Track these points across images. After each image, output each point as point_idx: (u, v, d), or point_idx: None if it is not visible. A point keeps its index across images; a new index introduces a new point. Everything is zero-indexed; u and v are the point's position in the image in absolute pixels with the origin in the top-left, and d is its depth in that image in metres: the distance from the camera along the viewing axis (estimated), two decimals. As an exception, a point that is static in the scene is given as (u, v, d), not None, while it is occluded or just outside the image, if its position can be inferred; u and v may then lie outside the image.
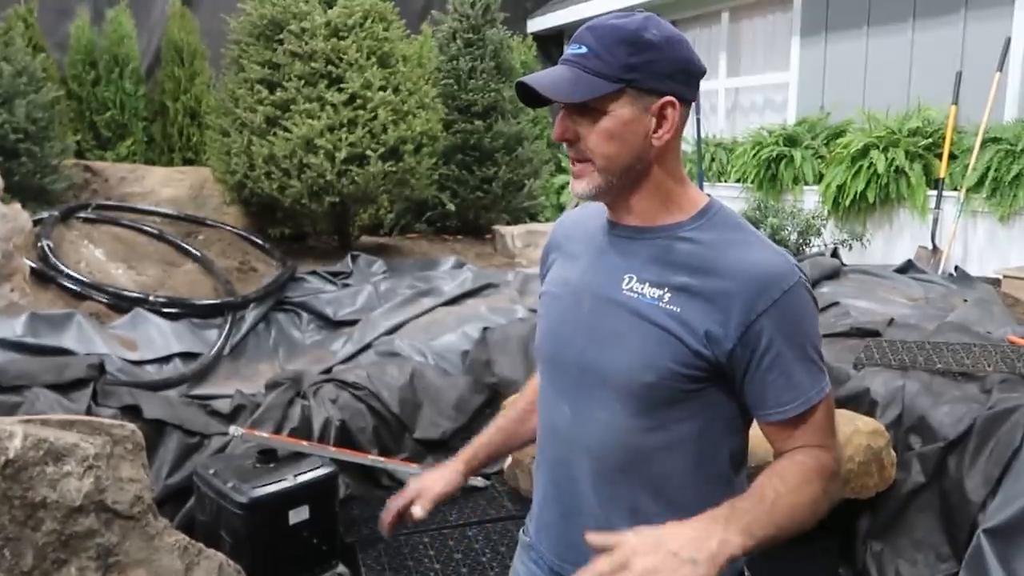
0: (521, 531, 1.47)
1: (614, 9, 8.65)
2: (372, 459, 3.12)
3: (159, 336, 3.89)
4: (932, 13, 5.97)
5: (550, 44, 10.30)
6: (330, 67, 5.24)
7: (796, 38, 7.14)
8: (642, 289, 1.16)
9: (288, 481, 2.57)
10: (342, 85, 5.22)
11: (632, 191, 1.19)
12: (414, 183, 5.62)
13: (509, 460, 3.34)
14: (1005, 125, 5.42)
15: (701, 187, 6.80)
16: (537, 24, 10.11)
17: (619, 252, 1.22)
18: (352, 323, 4.33)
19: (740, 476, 1.26)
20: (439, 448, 3.51)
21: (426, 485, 1.47)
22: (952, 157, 5.61)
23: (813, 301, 1.17)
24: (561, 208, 8.02)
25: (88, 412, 2.84)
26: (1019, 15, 5.48)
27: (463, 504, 3.16)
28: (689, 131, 8.36)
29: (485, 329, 3.87)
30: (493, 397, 3.64)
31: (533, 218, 7.45)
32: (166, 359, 3.76)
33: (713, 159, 7.52)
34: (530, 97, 1.18)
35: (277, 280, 4.65)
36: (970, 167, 5.37)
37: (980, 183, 5.32)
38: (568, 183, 8.45)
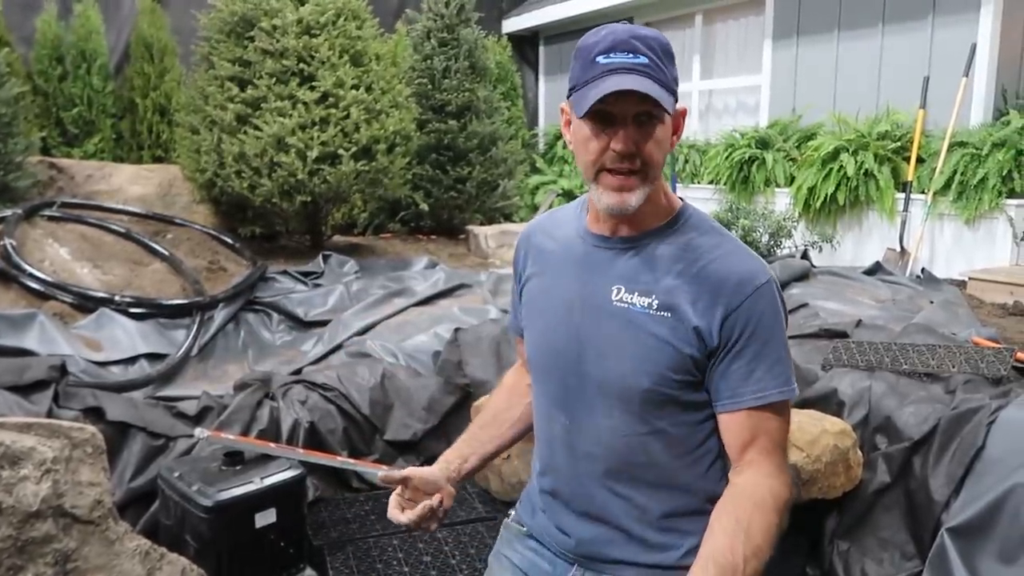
0: (505, 523, 1.54)
1: (591, 11, 8.77)
2: (342, 461, 3.09)
3: (125, 336, 3.82)
4: (901, 19, 6.06)
5: (525, 44, 10.30)
6: (302, 65, 5.20)
7: (768, 41, 7.21)
8: (632, 299, 1.22)
9: (255, 484, 2.54)
10: (314, 83, 5.18)
11: (647, 196, 1.23)
12: (387, 183, 5.59)
13: (480, 461, 3.33)
14: (971, 129, 5.51)
15: (674, 189, 6.84)
16: (512, 24, 10.10)
17: (605, 262, 1.26)
18: (323, 323, 4.29)
19: (728, 468, 1.32)
20: (410, 449, 3.49)
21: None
22: (920, 161, 5.69)
23: (783, 304, 1.21)
24: (535, 208, 8.02)
25: (49, 414, 2.78)
26: (984, 22, 5.57)
27: (433, 506, 3.14)
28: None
29: (457, 330, 3.84)
30: (465, 398, 3.63)
31: (507, 218, 7.44)
32: (132, 360, 3.70)
33: (687, 161, 7.56)
34: (602, 106, 1.15)
35: (247, 280, 4.60)
36: (937, 170, 5.45)
37: (947, 186, 5.41)
38: (542, 183, 8.47)
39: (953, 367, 3.09)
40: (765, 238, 5.65)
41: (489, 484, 3.29)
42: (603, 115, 1.16)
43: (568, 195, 8.05)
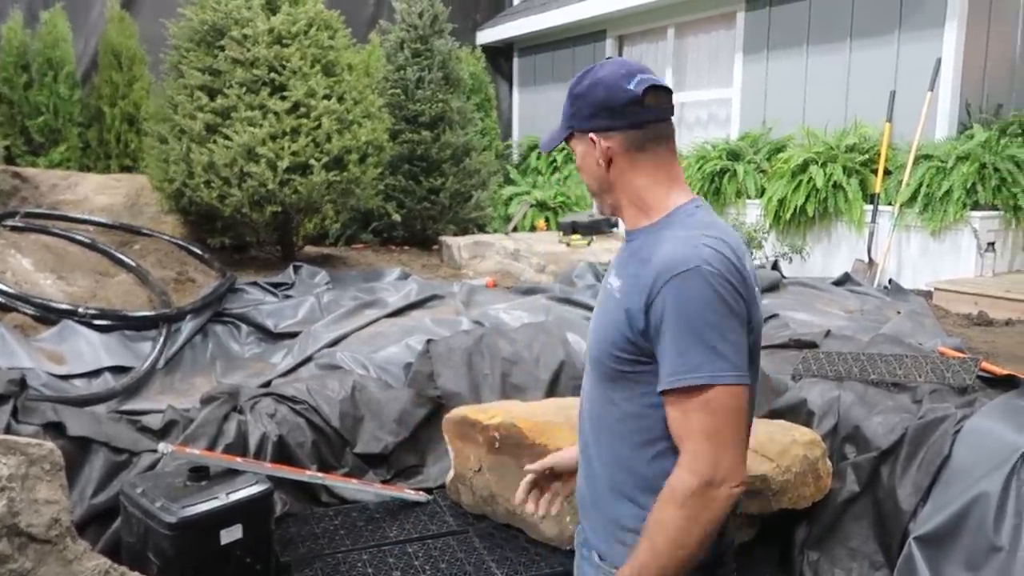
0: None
1: (565, 23, 8.83)
2: (310, 475, 3.05)
3: (88, 349, 3.74)
4: (868, 34, 6.16)
5: (499, 56, 10.34)
6: (273, 74, 5.16)
7: (739, 55, 7.30)
8: (614, 283, 1.38)
9: (220, 499, 2.48)
10: (285, 93, 5.14)
11: (617, 205, 1.43)
12: (359, 193, 5.55)
13: (451, 473, 3.30)
14: (936, 143, 5.61)
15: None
16: (486, 36, 10.14)
17: (620, 253, 1.46)
18: (293, 335, 4.25)
19: None
20: (380, 463, 3.45)
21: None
22: (887, 173, 5.78)
23: (712, 293, 1.22)
24: (508, 219, 8.02)
25: (8, 430, 2.71)
26: (948, 37, 5.69)
27: (403, 520, 3.10)
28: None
29: (429, 341, 3.82)
30: (436, 410, 3.59)
31: (480, 229, 7.44)
32: (95, 373, 3.62)
33: (659, 172, 7.62)
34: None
35: (216, 291, 4.54)
36: (903, 183, 5.54)
37: (913, 198, 5.49)
38: (516, 194, 8.48)
39: (920, 377, 3.12)
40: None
41: (460, 497, 3.26)
42: None
43: (542, 206, 8.06)
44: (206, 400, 3.24)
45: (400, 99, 6.68)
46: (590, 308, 4.32)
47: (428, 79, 6.75)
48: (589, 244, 6.10)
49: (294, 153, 5.02)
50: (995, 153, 5.24)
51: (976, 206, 5.23)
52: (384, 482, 3.39)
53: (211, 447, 2.94)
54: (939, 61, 5.66)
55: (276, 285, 5.02)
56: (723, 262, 1.24)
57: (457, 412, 3.25)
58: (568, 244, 6.08)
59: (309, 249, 6.24)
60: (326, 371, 3.71)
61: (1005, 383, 3.02)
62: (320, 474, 3.12)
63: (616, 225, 6.81)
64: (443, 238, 6.57)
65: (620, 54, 8.91)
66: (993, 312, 4.58)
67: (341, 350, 3.89)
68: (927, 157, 5.51)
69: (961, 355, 3.37)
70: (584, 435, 1.48)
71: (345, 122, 5.30)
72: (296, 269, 5.26)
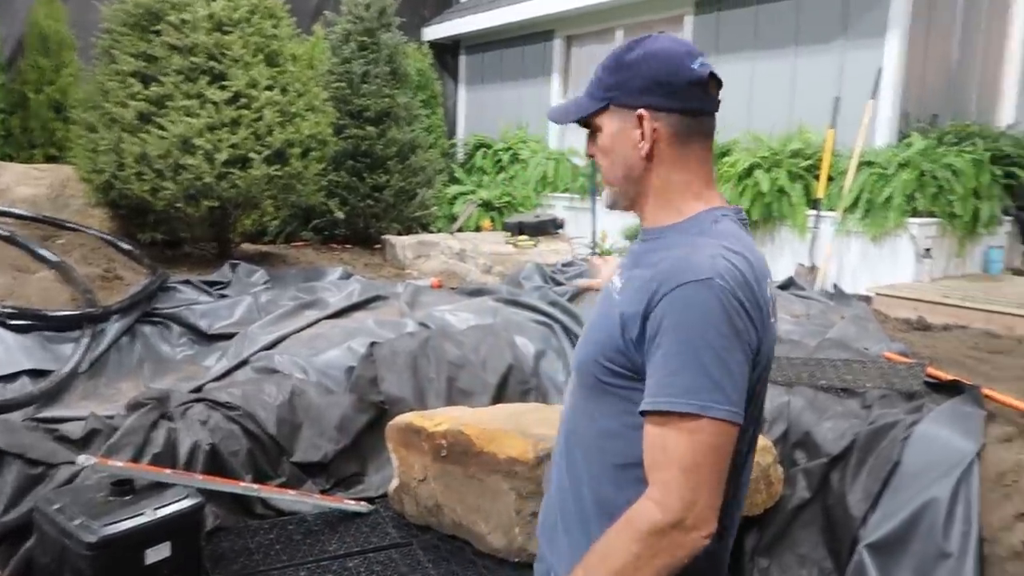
0: None
1: (513, 21, 8.74)
2: (245, 486, 2.88)
3: (3, 352, 3.48)
4: (812, 41, 6.24)
5: (446, 53, 10.20)
6: (212, 62, 4.93)
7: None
8: (616, 281, 1.26)
9: (146, 516, 2.31)
10: (225, 82, 4.92)
11: (640, 198, 1.28)
12: (301, 188, 5.36)
13: (395, 482, 3.17)
14: (877, 150, 5.71)
15: (593, 202, 6.86)
16: (434, 32, 9.99)
17: (630, 252, 1.33)
18: (228, 337, 4.05)
19: None
20: (319, 472, 3.30)
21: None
22: (830, 179, 5.86)
23: (719, 310, 1.08)
24: (453, 219, 7.89)
25: (-93, 440, 2.48)
26: (889, 47, 5.80)
27: (343, 532, 2.96)
28: (583, 146, 8.45)
29: (372, 344, 3.68)
30: (380, 416, 3.46)
31: (425, 228, 7.30)
32: (11, 377, 3.38)
33: (606, 174, 7.60)
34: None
35: (145, 289, 4.29)
36: (845, 188, 5.62)
37: (855, 204, 5.57)
38: (461, 193, 8.36)
39: (868, 382, 3.12)
40: (683, 252, 5.68)
41: (404, 507, 3.14)
42: None
43: (487, 205, 7.96)
44: (132, 406, 3.05)
45: (345, 93, 6.49)
46: (538, 310, 4.24)
47: (374, 73, 6.58)
48: (536, 245, 6.03)
49: (233, 145, 4.81)
50: (933, 161, 5.35)
51: (915, 213, 5.34)
52: (323, 492, 3.24)
53: (137, 458, 2.75)
54: (880, 70, 5.76)
55: (211, 284, 4.79)
56: (739, 280, 1.10)
57: (402, 419, 3.13)
58: (515, 245, 5.99)
59: (247, 246, 6.01)
60: (263, 375, 3.54)
61: (950, 388, 3.05)
62: (255, 485, 2.95)
63: (562, 227, 6.75)
64: (387, 237, 6.41)
65: (568, 55, 8.88)
66: (931, 317, 4.66)
67: (279, 353, 3.72)
68: (869, 164, 5.60)
69: (907, 360, 3.39)
70: (558, 453, 1.34)
71: (288, 114, 5.11)
72: (233, 267, 5.04)
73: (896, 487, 2.69)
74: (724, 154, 6.63)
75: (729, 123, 6.76)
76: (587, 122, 1.29)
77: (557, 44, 8.87)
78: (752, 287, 1.11)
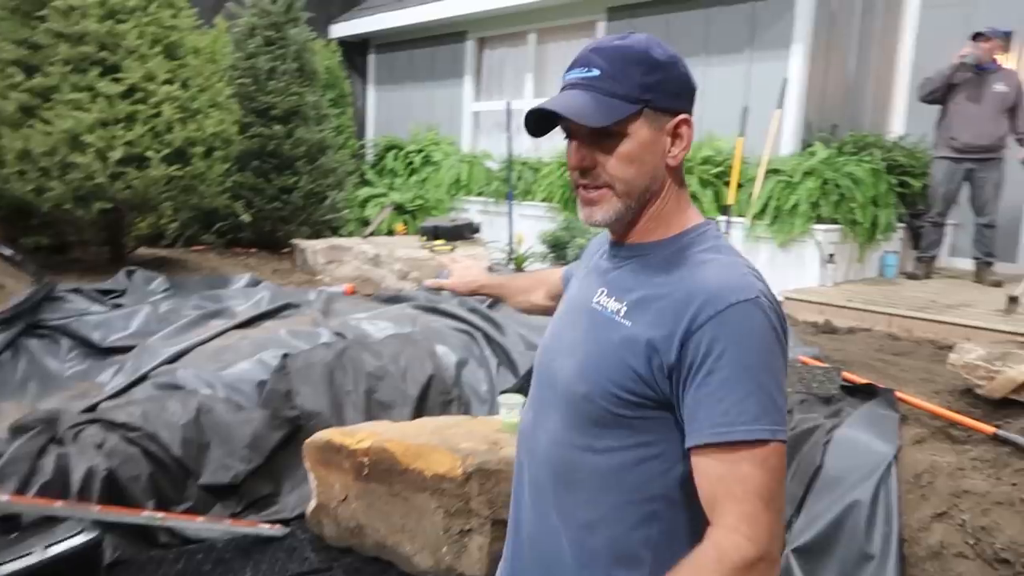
0: None
1: (424, 21, 8.61)
2: (147, 515, 2.66)
3: None
4: (721, 51, 6.40)
5: (354, 52, 9.95)
6: (104, 53, 4.59)
7: (599, 64, 7.37)
8: (607, 303, 1.15)
9: (36, 555, 2.09)
10: (119, 75, 4.59)
11: (640, 212, 1.16)
12: (203, 190, 5.07)
13: (313, 503, 3.00)
14: (783, 158, 5.89)
15: (510, 205, 6.81)
16: (341, 29, 9.72)
17: (605, 269, 1.21)
18: (125, 350, 3.76)
19: (688, 536, 1.10)
20: (230, 494, 3.09)
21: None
22: (739, 186, 6.01)
23: (772, 331, 1.03)
24: (365, 222, 7.68)
25: None
26: (793, 60, 6.00)
27: (258, 559, 2.78)
28: (496, 148, 8.39)
29: (285, 355, 3.49)
30: (295, 432, 3.28)
31: (335, 232, 7.07)
32: None
33: (520, 178, 7.56)
34: (538, 126, 1.17)
35: (29, 299, 3.94)
36: (754, 196, 5.77)
37: (763, 211, 5.73)
38: (372, 196, 8.15)
39: (788, 387, 3.17)
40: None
41: (323, 529, 2.97)
42: (566, 131, 1.15)
43: (399, 209, 7.79)
44: (16, 430, 2.77)
45: (250, 90, 6.20)
46: (458, 318, 4.14)
47: (282, 70, 6.31)
48: (453, 250, 5.92)
49: (129, 143, 4.49)
50: (835, 170, 5.56)
51: (819, 219, 5.53)
52: (234, 516, 3.04)
53: (23, 489, 2.48)
54: (785, 81, 5.95)
55: (104, 292, 4.45)
56: (773, 297, 1.06)
57: (320, 436, 2.96)
58: (431, 250, 5.86)
59: (143, 251, 5.64)
60: (165, 391, 3.30)
61: (865, 392, 3.13)
62: (159, 513, 2.73)
63: (478, 231, 6.67)
64: (296, 241, 6.15)
65: (480, 58, 8.81)
66: (837, 320, 4.83)
67: (183, 367, 3.47)
68: (775, 172, 5.77)
69: (822, 364, 3.48)
70: (537, 490, 1.20)
71: (189, 111, 4.82)
72: (128, 274, 4.70)
73: (819, 491, 2.73)
74: (637, 160, 6.71)
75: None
76: (573, 128, 1.12)
77: (469, 46, 8.78)
78: (779, 305, 1.08)
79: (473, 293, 1.73)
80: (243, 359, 3.55)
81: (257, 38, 6.38)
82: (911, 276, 5.96)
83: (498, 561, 2.44)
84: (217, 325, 3.99)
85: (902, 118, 7.03)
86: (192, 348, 3.70)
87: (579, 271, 1.35)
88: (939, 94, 5.74)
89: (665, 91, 1.12)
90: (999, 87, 5.57)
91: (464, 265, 1.76)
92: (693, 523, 1.09)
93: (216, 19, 7.36)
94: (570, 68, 1.14)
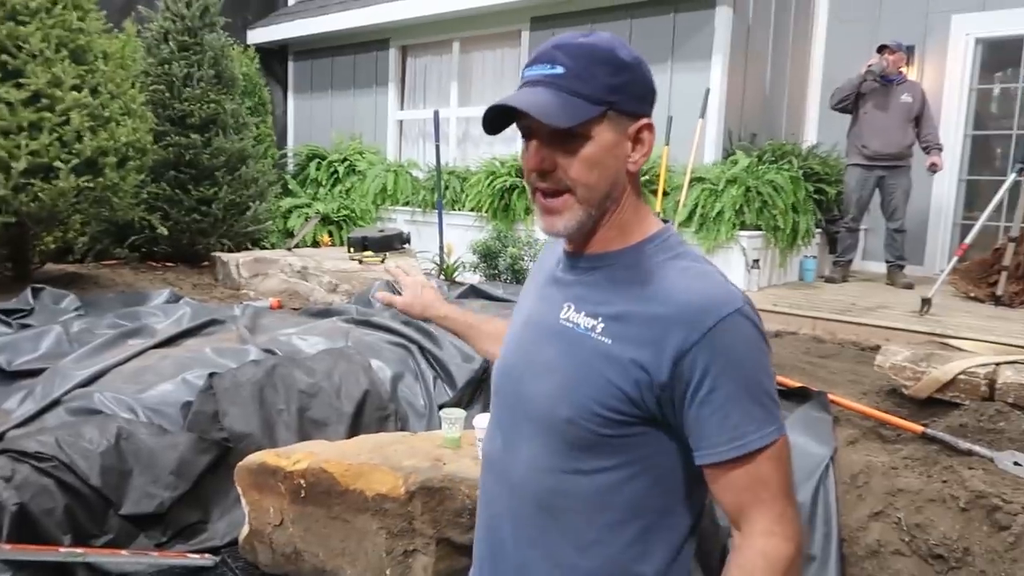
0: None
1: (344, 28, 8.46)
2: (65, 551, 2.47)
3: None
4: (646, 60, 6.49)
5: (272, 59, 9.68)
6: (5, 57, 4.30)
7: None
8: (577, 318, 1.10)
9: (-63, 604, 1.90)
10: (22, 80, 4.31)
11: (600, 220, 1.11)
12: (117, 202, 4.81)
13: (246, 529, 2.86)
14: (708, 166, 6.02)
15: (440, 214, 6.73)
16: (259, 35, 9.45)
17: (566, 281, 1.16)
18: (34, 374, 3.50)
19: (684, 545, 1.13)
20: (155, 524, 2.92)
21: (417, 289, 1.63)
22: (665, 193, 6.11)
23: (759, 335, 1.04)
24: (289, 234, 7.46)
25: None
26: (715, 70, 6.15)
27: (189, 592, 2.62)
28: (422, 157, 8.31)
29: (211, 375, 3.32)
30: (223, 455, 3.13)
31: (256, 244, 6.84)
32: None
33: (447, 187, 7.50)
34: (493, 124, 1.11)
35: (-76, 321, 3.64)
36: (681, 203, 5.88)
37: (690, 218, 5.84)
38: (296, 207, 7.93)
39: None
40: (530, 265, 5.70)
41: (257, 556, 2.84)
42: (526, 131, 1.09)
43: (324, 219, 7.61)
44: (-87, 466, 2.53)
45: (165, 97, 5.94)
46: (392, 331, 4.04)
47: (198, 76, 6.07)
48: (383, 261, 5.80)
49: (34, 153, 4.21)
50: (757, 178, 5.72)
51: (743, 226, 5.67)
52: (159, 547, 2.87)
53: (-78, 530, 2.27)
54: (707, 91, 6.10)
55: (9, 312, 4.15)
56: (749, 298, 1.06)
57: (253, 459, 2.83)
58: (360, 261, 5.73)
59: (50, 267, 5.32)
60: (81, 417, 3.09)
61: (799, 395, 3.20)
62: (78, 549, 2.55)
63: (408, 241, 6.57)
64: (218, 254, 5.92)
65: (404, 66, 8.72)
66: (765, 324, 4.94)
67: (99, 390, 3.26)
68: (700, 180, 5.89)
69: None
70: (518, 518, 1.16)
71: (100, 119, 4.56)
72: (35, 292, 4.41)
73: (760, 495, 2.77)
74: (565, 168, 6.75)
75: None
76: (534, 127, 1.06)
77: (392, 54, 8.67)
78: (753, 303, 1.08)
79: (427, 320, 1.63)
80: (165, 380, 3.36)
81: (171, 43, 6.12)
82: (829, 280, 6.19)
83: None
84: (136, 344, 3.78)
85: (815, 127, 7.32)
86: (109, 370, 3.48)
87: (530, 285, 1.30)
88: (849, 103, 5.99)
89: (630, 93, 1.07)
90: (905, 98, 5.86)
91: (417, 282, 1.65)
92: (683, 530, 1.11)
93: (125, 23, 7.03)
94: (531, 64, 1.09)
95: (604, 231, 1.12)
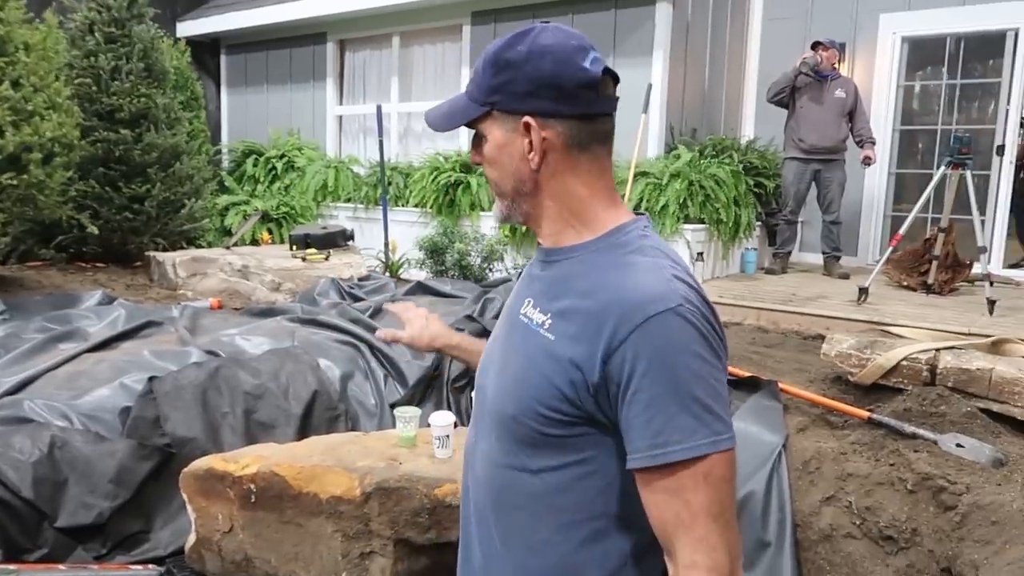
0: None
1: (279, 22, 8.26)
2: (-3, 569, 2.33)
3: None
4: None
5: (204, 52, 9.39)
6: (-86, 47, 4.05)
7: (466, 68, 7.34)
8: (532, 314, 1.09)
9: None
10: (-67, 72, 4.06)
11: (538, 214, 1.12)
12: (42, 200, 4.57)
13: (193, 538, 2.75)
14: (651, 161, 6.08)
15: (384, 211, 6.63)
16: (189, 28, 9.15)
17: (533, 276, 1.16)
18: (-44, 382, 3.30)
19: (645, 557, 1.05)
20: (94, 536, 2.79)
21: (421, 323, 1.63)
22: (610, 188, 6.14)
23: (698, 338, 0.96)
24: (227, 232, 7.24)
25: None
26: (656, 66, 6.21)
27: (133, 606, 2.51)
28: (363, 153, 8.17)
29: (151, 378, 3.19)
30: (166, 461, 3.00)
31: (193, 242, 6.61)
32: None
33: (390, 183, 7.39)
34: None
35: None
36: (626, 197, 5.91)
37: (635, 212, 5.88)
38: (233, 204, 7.72)
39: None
40: (478, 261, 5.66)
41: (205, 564, 2.73)
42: None
43: (264, 217, 7.41)
44: None
45: (92, 91, 5.67)
46: (340, 329, 3.95)
47: (126, 70, 5.82)
48: (327, 258, 5.67)
49: (-51, 148, 3.97)
50: (699, 172, 5.81)
51: (687, 219, 5.75)
52: (99, 559, 2.75)
53: None
54: (650, 86, 6.15)
55: (-75, 317, 3.92)
56: (700, 300, 0.99)
57: (199, 464, 2.72)
58: (303, 259, 5.59)
59: (-31, 269, 5.03)
60: (10, 426, 2.92)
61: (749, 385, 3.25)
62: (11, 565, 2.40)
63: (352, 238, 6.45)
64: (152, 254, 5.69)
65: (342, 60, 8.55)
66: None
67: (29, 398, 3.09)
68: (644, 174, 5.94)
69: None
70: (480, 514, 1.16)
71: (23, 113, 4.33)
72: (-46, 295, 4.17)
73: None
74: (509, 164, 6.72)
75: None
76: (472, 125, 1.11)
77: (330, 48, 8.50)
78: (708, 302, 1.01)
79: (434, 350, 1.64)
80: (101, 385, 3.21)
81: (96, 35, 5.86)
82: (769, 271, 6.33)
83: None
84: (68, 349, 3.60)
85: (751, 122, 7.47)
86: (39, 376, 3.31)
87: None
88: (784, 96, 6.13)
89: (512, 92, 1.06)
90: (839, 93, 6.03)
91: (420, 314, 1.65)
92: (643, 539, 1.04)
93: (45, 13, 6.70)
94: None
95: (548, 226, 1.11)
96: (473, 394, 1.27)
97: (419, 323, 1.63)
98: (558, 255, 1.10)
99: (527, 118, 1.05)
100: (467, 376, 3.61)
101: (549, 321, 1.05)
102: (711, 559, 0.93)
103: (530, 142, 1.06)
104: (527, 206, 1.11)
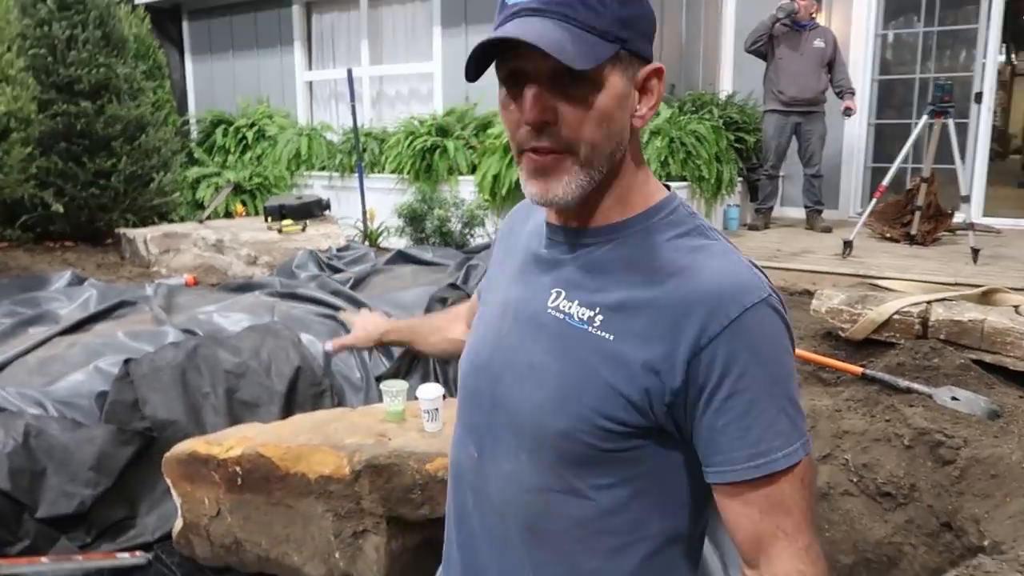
0: None
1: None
2: (-25, 566, 2.25)
3: None
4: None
5: (166, 18, 9.07)
6: None
7: (437, 28, 7.15)
8: (569, 308, 0.92)
9: None
10: None
11: (602, 186, 0.91)
12: (2, 179, 4.39)
13: (180, 523, 2.68)
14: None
15: (360, 179, 6.49)
16: (148, -7, 8.81)
17: (552, 260, 0.96)
18: (-79, 372, 3.18)
19: (691, 558, 0.97)
20: (77, 525, 2.71)
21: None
22: (589, 148, 6.04)
23: (787, 333, 0.87)
24: (200, 205, 7.06)
25: None
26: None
27: (121, 595, 2.44)
28: (335, 120, 7.98)
29: (127, 361, 3.08)
30: (147, 445, 2.92)
31: (164, 217, 6.44)
32: None
33: (365, 149, 7.23)
34: (480, 64, 0.88)
35: None
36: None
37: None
38: (204, 176, 7.50)
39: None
40: (459, 227, 5.56)
41: (194, 549, 2.66)
42: (514, 75, 0.87)
43: (236, 188, 7.23)
44: None
45: (47, 62, 5.44)
46: (321, 302, 3.86)
47: (83, 39, 5.58)
48: (304, 230, 5.54)
49: (-101, 127, 3.78)
50: (680, 128, 5.72)
51: (669, 177, 5.67)
52: (84, 549, 2.67)
53: None
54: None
55: None
56: (776, 288, 0.89)
57: (181, 448, 2.63)
58: (280, 231, 5.46)
59: (-69, 253, 4.85)
60: (-18, 416, 2.81)
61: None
62: (-10, 561, 2.32)
63: (328, 207, 6.30)
64: (122, 231, 5.53)
65: (309, 23, 8.30)
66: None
67: (0, 386, 2.98)
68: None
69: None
70: (501, 541, 0.99)
71: (-26, 88, 4.13)
72: (-85, 281, 4.01)
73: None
74: (485, 126, 6.61)
75: (486, 94, 6.74)
76: (529, 70, 0.84)
77: (296, 10, 8.24)
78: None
79: (379, 343, 1.65)
80: (75, 369, 3.11)
81: (48, 2, 5.60)
82: (752, 227, 6.29)
83: (399, 560, 2.29)
84: (38, 333, 3.48)
85: (730, 76, 7.36)
86: (10, 362, 3.20)
87: (502, 258, 1.10)
88: (762, 44, 6.02)
89: (640, 30, 0.87)
90: (817, 43, 5.93)
91: (363, 315, 1.74)
92: (694, 553, 0.97)
93: (-4, -19, 6.40)
94: None
95: (601, 199, 0.92)
96: (461, 397, 1.08)
97: (362, 324, 1.68)
98: (595, 236, 0.93)
99: (658, 64, 0.89)
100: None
101: (600, 317, 0.89)
102: (813, 567, 0.86)
103: (645, 95, 0.89)
104: (596, 174, 0.89)
